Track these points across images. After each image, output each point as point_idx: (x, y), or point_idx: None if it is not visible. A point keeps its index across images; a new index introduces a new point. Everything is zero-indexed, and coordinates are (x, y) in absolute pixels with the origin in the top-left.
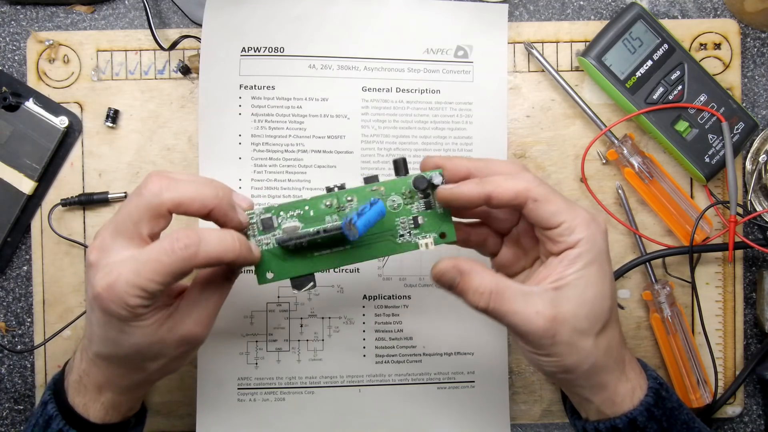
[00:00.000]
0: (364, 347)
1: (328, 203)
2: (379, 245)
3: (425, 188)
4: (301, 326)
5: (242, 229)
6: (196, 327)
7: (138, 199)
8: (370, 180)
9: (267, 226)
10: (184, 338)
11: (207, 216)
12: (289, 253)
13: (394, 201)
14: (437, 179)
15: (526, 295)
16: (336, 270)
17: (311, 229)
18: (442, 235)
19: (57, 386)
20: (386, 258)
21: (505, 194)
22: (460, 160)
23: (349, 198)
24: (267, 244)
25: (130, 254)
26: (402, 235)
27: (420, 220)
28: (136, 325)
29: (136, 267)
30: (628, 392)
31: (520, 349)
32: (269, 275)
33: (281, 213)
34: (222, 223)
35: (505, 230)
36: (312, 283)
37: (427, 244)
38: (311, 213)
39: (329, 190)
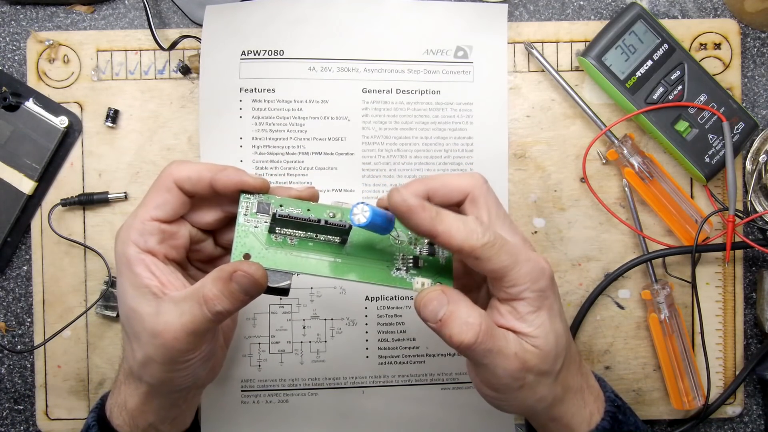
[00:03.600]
0: (366, 348)
1: (331, 214)
2: (373, 270)
3: None
4: (304, 328)
5: (245, 186)
6: (166, 329)
7: (154, 180)
8: None
9: (261, 210)
10: (154, 333)
11: (213, 190)
12: (274, 245)
13: (399, 236)
14: None
15: (507, 336)
16: None
17: (313, 216)
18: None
19: (103, 399)
20: None
21: (452, 243)
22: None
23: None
24: (255, 226)
25: None
26: (399, 269)
27: (420, 263)
28: (128, 275)
29: (138, 207)
30: (585, 418)
31: (484, 393)
32: (245, 257)
33: (281, 205)
34: (232, 192)
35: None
36: (288, 282)
37: (423, 283)
38: (311, 216)
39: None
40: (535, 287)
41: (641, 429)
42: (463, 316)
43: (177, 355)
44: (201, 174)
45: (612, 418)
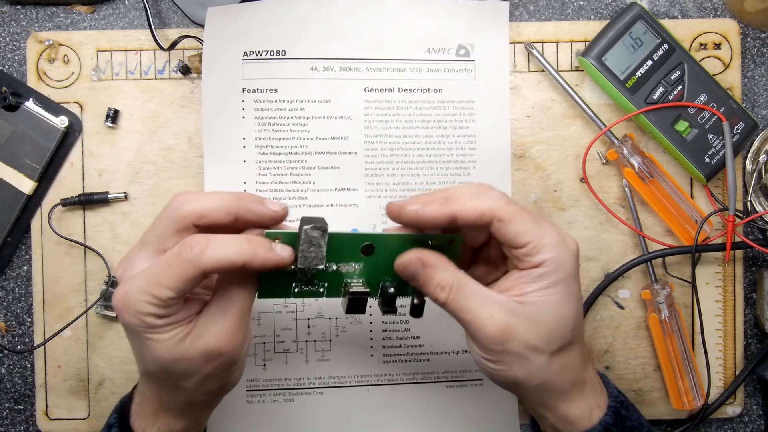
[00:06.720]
0: (371, 347)
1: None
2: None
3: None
4: (309, 327)
5: (278, 221)
6: (217, 341)
7: (162, 213)
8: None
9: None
10: (207, 354)
11: (236, 223)
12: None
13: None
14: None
15: (485, 297)
16: None
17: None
18: None
19: (123, 409)
20: None
21: (470, 214)
22: (431, 206)
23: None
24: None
25: (149, 264)
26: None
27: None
28: (155, 339)
29: (147, 274)
30: (584, 412)
31: (472, 352)
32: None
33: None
34: (255, 226)
35: (477, 244)
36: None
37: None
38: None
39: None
40: (558, 258)
41: (644, 424)
42: (437, 279)
43: (234, 352)
44: (232, 260)
45: (615, 413)
